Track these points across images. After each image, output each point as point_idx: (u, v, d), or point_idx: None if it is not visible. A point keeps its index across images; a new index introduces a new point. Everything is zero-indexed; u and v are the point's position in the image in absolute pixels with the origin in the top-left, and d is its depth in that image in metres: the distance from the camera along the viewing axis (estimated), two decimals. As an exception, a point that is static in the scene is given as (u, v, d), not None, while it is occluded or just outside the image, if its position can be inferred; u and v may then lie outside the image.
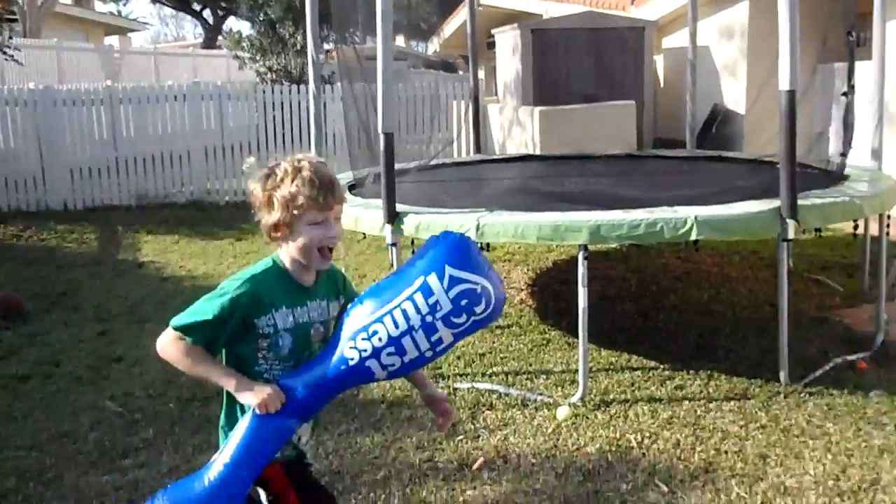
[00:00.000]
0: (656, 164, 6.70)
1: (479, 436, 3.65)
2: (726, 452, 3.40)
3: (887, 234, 4.57)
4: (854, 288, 5.61)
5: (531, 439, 3.60)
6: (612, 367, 4.41)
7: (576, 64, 10.25)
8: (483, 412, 3.90)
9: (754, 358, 4.39)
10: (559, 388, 4.15)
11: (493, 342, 4.87)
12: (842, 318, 5.05)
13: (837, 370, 4.15)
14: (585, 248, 3.88)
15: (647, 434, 3.60)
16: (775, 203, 3.90)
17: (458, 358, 4.59)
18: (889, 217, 4.60)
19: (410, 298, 1.85)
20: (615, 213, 3.92)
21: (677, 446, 3.48)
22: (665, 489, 3.15)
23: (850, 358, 4.25)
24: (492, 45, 12.29)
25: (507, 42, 11.05)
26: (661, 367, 4.34)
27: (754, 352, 4.50)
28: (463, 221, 4.03)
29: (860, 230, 4.84)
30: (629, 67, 10.40)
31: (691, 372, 4.26)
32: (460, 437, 3.63)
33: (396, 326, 1.85)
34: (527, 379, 4.30)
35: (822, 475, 3.18)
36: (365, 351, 1.88)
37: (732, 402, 3.88)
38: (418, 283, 1.86)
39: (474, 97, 7.74)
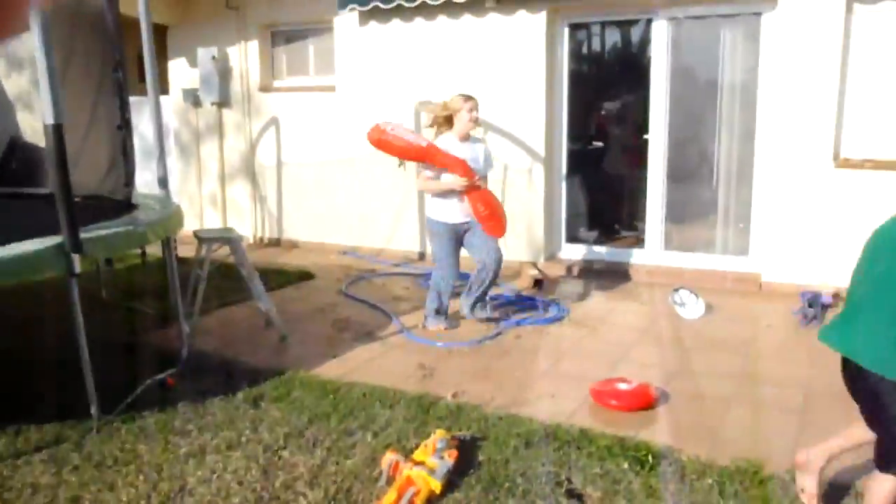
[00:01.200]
0: (-63, 208, 5.91)
1: None
2: (36, 508, 3.21)
3: (176, 255, 4.94)
4: (165, 309, 5.90)
5: None
6: None
7: None
8: None
9: (68, 399, 4.23)
10: None
11: None
12: (153, 340, 5.28)
13: (149, 391, 4.31)
14: None
15: (-60, 516, 3.16)
16: (59, 239, 3.82)
17: None
18: (176, 241, 4.97)
19: None
20: None
21: (-23, 519, 3.15)
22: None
23: (159, 377, 4.47)
24: None
25: None
26: (-39, 435, 3.86)
27: (68, 392, 4.32)
28: None
29: (163, 253, 5.08)
30: None
31: (-3, 432, 3.90)
32: None
33: None
34: None
35: (134, 497, 3.26)
36: None
37: (44, 452, 3.68)
38: None
39: None
